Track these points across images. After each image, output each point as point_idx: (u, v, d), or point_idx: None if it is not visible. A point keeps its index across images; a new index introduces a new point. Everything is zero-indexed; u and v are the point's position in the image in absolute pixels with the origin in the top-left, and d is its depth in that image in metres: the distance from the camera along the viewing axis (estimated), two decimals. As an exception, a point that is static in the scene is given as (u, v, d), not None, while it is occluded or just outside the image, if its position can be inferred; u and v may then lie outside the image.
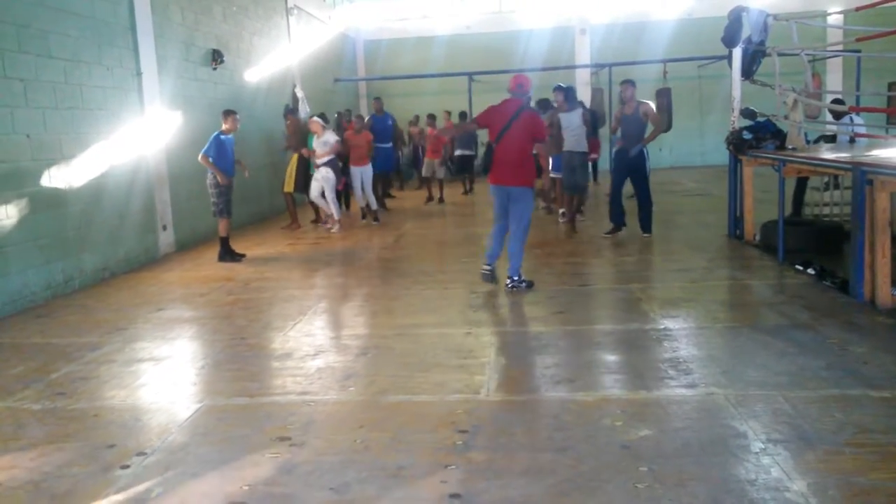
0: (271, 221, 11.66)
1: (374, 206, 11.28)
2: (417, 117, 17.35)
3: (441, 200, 13.69)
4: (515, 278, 6.29)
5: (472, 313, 5.63)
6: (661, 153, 14.08)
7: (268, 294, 6.75)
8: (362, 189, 11.06)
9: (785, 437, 3.21)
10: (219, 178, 8.11)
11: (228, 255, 8.42)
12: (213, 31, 10.74)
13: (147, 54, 8.67)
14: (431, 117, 14.88)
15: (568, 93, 9.63)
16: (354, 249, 9.04)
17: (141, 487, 3.02)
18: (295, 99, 14.13)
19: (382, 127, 12.59)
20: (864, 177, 5.38)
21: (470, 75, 17.76)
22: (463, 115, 15.26)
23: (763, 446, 3.14)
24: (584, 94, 18.97)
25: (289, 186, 10.73)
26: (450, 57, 19.27)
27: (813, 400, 3.62)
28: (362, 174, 10.99)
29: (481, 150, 15.84)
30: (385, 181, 13.41)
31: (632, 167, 8.74)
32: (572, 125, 9.33)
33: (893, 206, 5.71)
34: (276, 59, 13.51)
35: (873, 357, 4.24)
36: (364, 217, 11.28)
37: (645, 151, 8.71)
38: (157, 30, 8.91)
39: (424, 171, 14.37)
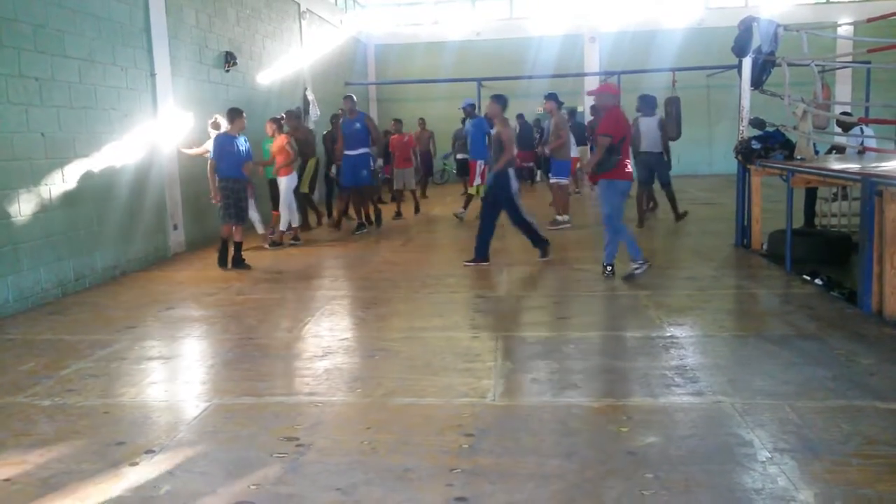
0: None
1: (296, 222, 9.82)
2: (422, 120, 16.65)
3: (417, 210, 12.80)
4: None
5: (479, 317, 5.65)
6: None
7: (276, 295, 6.78)
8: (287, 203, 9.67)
9: (791, 447, 3.22)
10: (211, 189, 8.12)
11: (223, 259, 8.03)
12: (226, 34, 10.82)
13: (161, 56, 8.74)
14: (398, 122, 13.54)
15: (648, 100, 10.43)
16: (362, 253, 9.07)
17: (149, 484, 3.05)
18: (306, 102, 14.21)
19: (349, 131, 10.32)
20: (873, 188, 5.38)
21: (479, 81, 17.82)
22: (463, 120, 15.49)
23: (770, 455, 3.14)
24: (591, 103, 19.02)
25: (303, 187, 10.78)
26: (460, 63, 19.35)
27: (820, 410, 3.62)
28: (280, 185, 9.61)
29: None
30: (358, 196, 10.87)
31: (494, 193, 7.91)
32: (651, 129, 10.22)
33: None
34: (288, 62, 13.59)
35: (880, 369, 4.23)
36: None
37: (510, 172, 7.75)
38: (171, 32, 8.99)
39: (396, 184, 12.97)
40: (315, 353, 4.88)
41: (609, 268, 6.95)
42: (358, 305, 6.45)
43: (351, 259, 8.70)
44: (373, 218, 11.13)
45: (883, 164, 6.86)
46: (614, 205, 6.83)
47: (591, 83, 19.50)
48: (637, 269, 6.80)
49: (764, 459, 3.11)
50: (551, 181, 11.01)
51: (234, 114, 8.20)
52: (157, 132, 8.65)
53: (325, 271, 8.09)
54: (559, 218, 10.58)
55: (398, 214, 12.34)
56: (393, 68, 20.50)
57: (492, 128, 10.78)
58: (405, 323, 5.77)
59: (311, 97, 14.38)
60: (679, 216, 10.57)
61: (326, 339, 5.29)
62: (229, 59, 10.66)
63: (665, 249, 8.85)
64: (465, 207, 11.90)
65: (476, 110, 12.07)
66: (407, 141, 12.94)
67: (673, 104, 14.86)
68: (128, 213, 8.00)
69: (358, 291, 6.98)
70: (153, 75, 8.60)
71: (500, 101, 7.89)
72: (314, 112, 14.24)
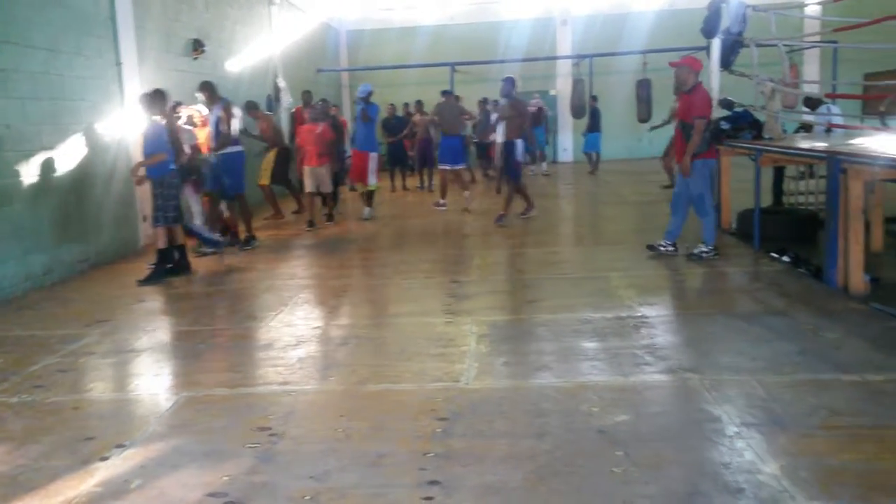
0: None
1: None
2: (420, 103, 15.15)
3: (330, 217, 10.25)
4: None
5: (453, 302, 5.66)
6: (640, 144, 14.31)
7: (248, 284, 6.74)
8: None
9: (758, 421, 3.27)
10: None
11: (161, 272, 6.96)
12: (193, 21, 10.65)
13: (127, 44, 8.58)
14: (313, 107, 10.81)
15: None
16: (336, 240, 9.04)
17: (120, 479, 3.02)
18: (277, 89, 14.05)
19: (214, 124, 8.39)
20: (838, 166, 5.45)
21: (452, 66, 17.74)
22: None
23: (737, 430, 3.19)
24: (565, 86, 19.10)
25: (265, 179, 10.68)
26: (433, 47, 19.24)
27: (786, 384, 3.69)
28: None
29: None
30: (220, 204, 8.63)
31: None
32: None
33: (866, 195, 5.81)
34: (258, 48, 13.42)
35: (845, 342, 4.32)
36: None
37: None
38: (137, 19, 8.82)
39: (308, 185, 9.96)
40: (288, 343, 4.85)
41: (714, 249, 6.75)
42: (331, 293, 6.42)
43: (324, 246, 8.64)
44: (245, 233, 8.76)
45: (849, 141, 6.95)
46: (708, 184, 6.77)
47: (564, 66, 19.56)
48: (707, 252, 6.67)
49: (732, 434, 3.16)
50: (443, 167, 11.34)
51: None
52: (125, 123, 8.51)
53: (298, 259, 8.05)
54: (441, 201, 11.11)
55: (311, 224, 9.83)
56: (365, 54, 20.33)
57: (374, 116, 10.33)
58: (379, 309, 5.78)
59: (282, 84, 14.22)
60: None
61: (299, 327, 5.27)
62: (197, 47, 10.50)
63: (635, 230, 8.92)
64: (370, 206, 10.66)
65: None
66: (321, 132, 9.88)
67: (644, 87, 14.97)
68: (96, 205, 7.87)
69: (331, 279, 6.94)
70: (119, 64, 8.44)
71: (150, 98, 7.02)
72: (286, 99, 14.09)
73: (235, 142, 8.45)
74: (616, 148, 18.73)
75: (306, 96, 12.08)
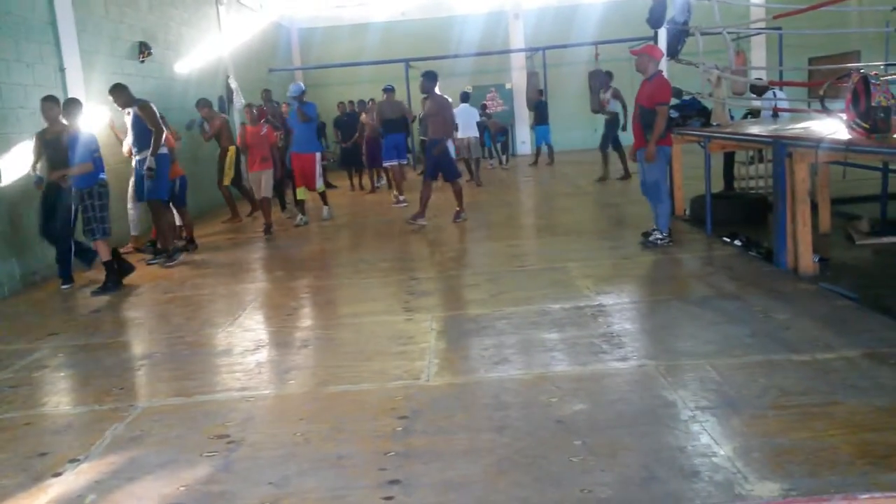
0: (207, 216, 11.42)
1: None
2: (373, 101, 14.26)
3: (268, 230, 9.29)
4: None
5: (412, 300, 5.65)
6: (595, 133, 14.46)
7: (206, 290, 6.63)
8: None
9: (712, 404, 3.33)
10: None
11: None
12: (139, 24, 10.44)
13: (70, 49, 8.37)
14: (251, 108, 10.23)
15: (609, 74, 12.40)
16: (294, 242, 8.95)
17: (74, 495, 2.96)
18: (229, 90, 13.86)
19: (132, 127, 7.69)
20: (783, 150, 5.58)
21: (406, 62, 17.70)
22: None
23: (692, 414, 3.25)
24: (520, 79, 19.19)
25: (227, 179, 10.55)
26: (386, 44, 19.16)
27: (739, 367, 3.76)
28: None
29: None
30: (154, 214, 7.94)
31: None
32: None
33: (812, 177, 5.96)
34: (207, 49, 13.21)
35: (795, 323, 4.42)
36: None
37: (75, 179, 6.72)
38: (79, 24, 8.61)
39: (256, 192, 9.84)
40: (247, 348, 4.79)
41: (668, 236, 6.79)
42: (290, 295, 6.35)
43: (282, 249, 8.57)
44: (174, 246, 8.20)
45: (794, 125, 7.11)
46: (664, 171, 6.83)
47: (517, 60, 19.66)
48: (661, 239, 6.73)
49: (686, 418, 3.21)
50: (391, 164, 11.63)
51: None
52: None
53: (256, 262, 7.95)
54: (400, 198, 11.24)
55: (268, 228, 9.34)
56: (317, 52, 20.16)
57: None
58: (338, 310, 5.75)
59: (234, 85, 14.04)
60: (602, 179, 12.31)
61: (258, 331, 5.21)
62: (143, 50, 10.30)
63: (591, 220, 9.03)
64: (327, 204, 10.42)
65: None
66: (265, 134, 9.69)
67: (596, 77, 15.10)
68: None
69: (290, 281, 6.88)
70: (62, 70, 8.23)
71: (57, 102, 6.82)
72: (238, 100, 13.90)
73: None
74: (571, 139, 18.92)
75: (266, 95, 12.00)
